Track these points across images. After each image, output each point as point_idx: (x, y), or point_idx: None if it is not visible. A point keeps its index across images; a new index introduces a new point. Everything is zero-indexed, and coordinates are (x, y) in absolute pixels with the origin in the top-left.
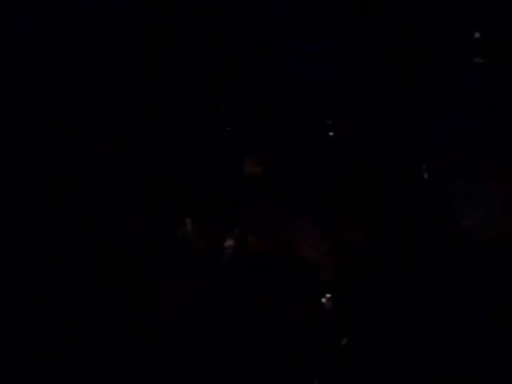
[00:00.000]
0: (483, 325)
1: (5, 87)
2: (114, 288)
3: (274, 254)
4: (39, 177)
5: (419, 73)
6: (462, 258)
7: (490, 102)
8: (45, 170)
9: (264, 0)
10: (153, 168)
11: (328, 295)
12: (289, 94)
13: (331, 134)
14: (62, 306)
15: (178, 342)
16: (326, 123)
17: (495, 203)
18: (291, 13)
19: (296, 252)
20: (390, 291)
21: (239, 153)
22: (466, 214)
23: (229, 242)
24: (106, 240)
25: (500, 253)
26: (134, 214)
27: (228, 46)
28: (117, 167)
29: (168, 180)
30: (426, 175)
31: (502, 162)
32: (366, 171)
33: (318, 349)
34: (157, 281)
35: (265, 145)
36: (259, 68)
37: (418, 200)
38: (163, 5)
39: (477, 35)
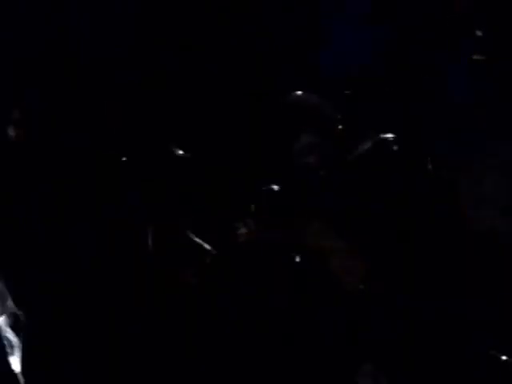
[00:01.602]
0: (483, 321)
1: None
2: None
3: (285, 244)
4: (40, 174)
5: (423, 72)
6: (463, 250)
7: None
8: (45, 168)
9: None
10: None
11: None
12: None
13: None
14: (64, 304)
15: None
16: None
17: (497, 198)
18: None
19: (308, 244)
20: (394, 284)
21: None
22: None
23: (242, 230)
24: (111, 235)
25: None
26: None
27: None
28: (120, 162)
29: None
30: (428, 171)
31: (502, 157)
32: (369, 168)
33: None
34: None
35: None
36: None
37: (420, 195)
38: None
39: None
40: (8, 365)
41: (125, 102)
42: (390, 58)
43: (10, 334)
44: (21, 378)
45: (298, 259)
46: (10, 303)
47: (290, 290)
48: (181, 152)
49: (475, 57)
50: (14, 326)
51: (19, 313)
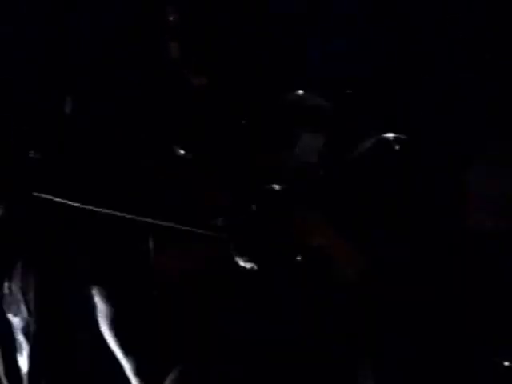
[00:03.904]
0: (485, 323)
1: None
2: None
3: (286, 242)
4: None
5: (421, 71)
6: (465, 251)
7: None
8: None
9: None
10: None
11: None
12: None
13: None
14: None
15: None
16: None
17: (497, 199)
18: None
19: (308, 241)
20: (395, 283)
21: (251, 146)
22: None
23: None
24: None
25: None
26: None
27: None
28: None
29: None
30: (430, 171)
31: (503, 158)
32: (370, 167)
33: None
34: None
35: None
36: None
37: (421, 195)
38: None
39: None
40: (16, 363)
41: (125, 102)
42: (390, 58)
43: (20, 336)
44: (25, 379)
45: (299, 258)
46: (22, 307)
47: (290, 289)
48: (182, 152)
49: (479, 56)
50: (25, 329)
51: (29, 318)
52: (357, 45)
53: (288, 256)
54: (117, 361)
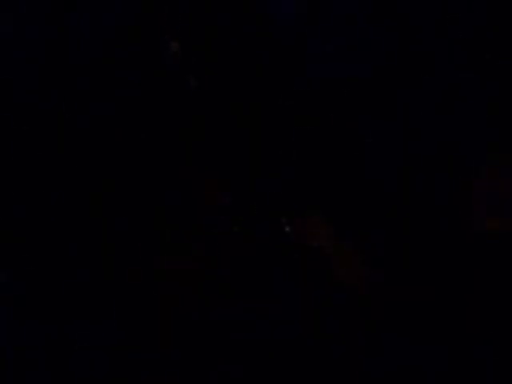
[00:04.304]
0: (485, 323)
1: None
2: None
3: (286, 242)
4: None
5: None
6: (465, 251)
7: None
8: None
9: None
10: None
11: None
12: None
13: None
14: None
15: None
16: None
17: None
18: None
19: (308, 241)
20: (397, 284)
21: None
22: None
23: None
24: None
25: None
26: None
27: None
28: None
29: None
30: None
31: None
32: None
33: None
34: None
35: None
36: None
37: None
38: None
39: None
40: None
41: (124, 102)
42: (390, 58)
43: None
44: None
45: (299, 260)
46: None
47: (290, 289)
48: (179, 150)
49: (479, 56)
50: None
51: None
52: (357, 45)
53: (288, 256)
54: (116, 360)
